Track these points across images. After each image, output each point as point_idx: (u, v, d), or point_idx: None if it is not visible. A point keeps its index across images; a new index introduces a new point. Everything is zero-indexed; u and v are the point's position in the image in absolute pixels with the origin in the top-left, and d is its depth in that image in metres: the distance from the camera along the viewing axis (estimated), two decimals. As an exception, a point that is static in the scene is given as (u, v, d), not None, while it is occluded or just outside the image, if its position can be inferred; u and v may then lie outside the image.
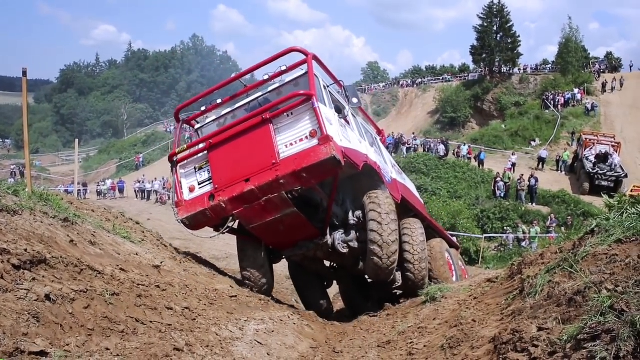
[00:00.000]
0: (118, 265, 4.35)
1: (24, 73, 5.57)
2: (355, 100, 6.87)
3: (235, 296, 5.72)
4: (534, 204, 23.13)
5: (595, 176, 23.79)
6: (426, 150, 32.68)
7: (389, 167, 8.32)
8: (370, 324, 6.18)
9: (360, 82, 73.70)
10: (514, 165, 27.75)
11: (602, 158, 24.64)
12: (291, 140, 5.88)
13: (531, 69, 50.41)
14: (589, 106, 35.95)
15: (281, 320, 5.54)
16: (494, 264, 17.14)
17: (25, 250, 3.27)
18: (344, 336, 5.82)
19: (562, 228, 18.86)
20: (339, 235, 6.94)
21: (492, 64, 48.19)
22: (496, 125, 40.57)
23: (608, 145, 25.51)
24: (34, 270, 3.17)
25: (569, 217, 20.39)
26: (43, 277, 3.18)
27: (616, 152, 25.12)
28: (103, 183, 35.92)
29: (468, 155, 30.29)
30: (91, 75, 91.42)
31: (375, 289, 8.78)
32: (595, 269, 2.80)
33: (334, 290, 9.93)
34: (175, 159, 6.57)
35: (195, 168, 6.45)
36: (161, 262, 5.46)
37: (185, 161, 6.55)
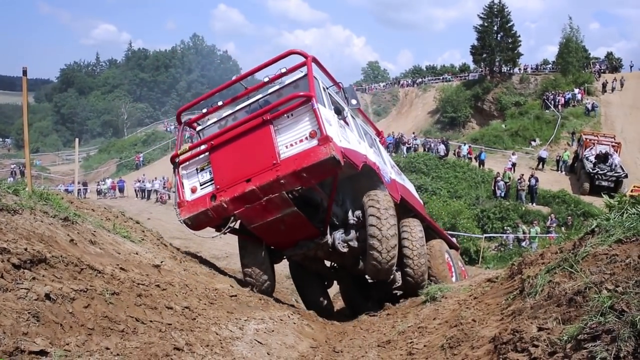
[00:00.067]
0: (118, 265, 4.36)
1: (24, 72, 5.58)
2: (354, 101, 6.96)
3: (235, 296, 5.72)
4: (534, 204, 23.13)
5: (596, 176, 23.78)
6: (426, 150, 32.67)
7: (388, 168, 8.38)
8: (370, 324, 6.18)
9: (361, 81, 73.65)
10: (514, 165, 27.75)
11: (602, 158, 24.64)
12: (291, 141, 5.96)
13: (531, 68, 50.40)
14: (589, 106, 35.94)
15: (281, 320, 5.55)
16: (494, 263, 17.14)
17: (25, 249, 3.27)
18: (344, 336, 5.82)
19: (562, 228, 18.85)
20: (339, 234, 7.00)
21: (492, 63, 48.19)
22: (496, 125, 40.57)
23: (608, 145, 25.50)
24: (34, 269, 3.17)
25: (569, 217, 20.39)
26: (43, 276, 3.18)
27: (616, 152, 25.11)
28: (103, 182, 35.96)
29: (468, 155, 30.30)
30: (91, 75, 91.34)
31: (376, 289, 8.80)
32: (596, 269, 2.80)
33: (334, 289, 9.94)
34: (177, 161, 6.66)
35: (197, 169, 6.54)
36: (161, 262, 5.46)
37: (187, 162, 6.63)
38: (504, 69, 48.67)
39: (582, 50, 46.07)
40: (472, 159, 30.06)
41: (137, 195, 32.14)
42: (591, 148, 25.30)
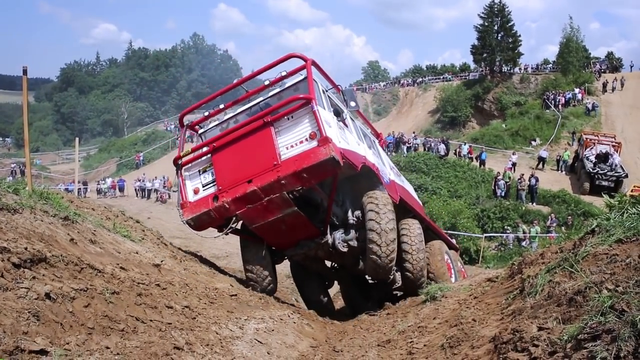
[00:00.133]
0: (118, 264, 4.36)
1: (25, 71, 5.58)
2: (353, 103, 7.05)
3: (236, 295, 5.73)
4: (534, 204, 23.13)
5: (596, 176, 23.78)
6: (427, 149, 32.66)
7: (387, 169, 8.47)
8: (370, 323, 6.19)
9: (361, 81, 73.62)
10: (514, 164, 27.75)
11: (603, 158, 24.63)
12: (292, 142, 6.06)
13: (532, 68, 50.34)
14: (590, 106, 35.93)
15: (281, 319, 5.55)
16: (494, 263, 17.13)
17: (26, 248, 3.28)
18: (344, 335, 5.83)
19: (563, 228, 18.86)
20: (339, 234, 7.08)
21: (492, 63, 48.14)
22: (497, 125, 40.57)
23: (608, 145, 25.49)
24: (34, 268, 3.17)
25: (569, 217, 20.40)
26: (43, 275, 3.18)
27: (616, 152, 25.10)
28: (103, 182, 35.97)
29: (469, 155, 30.30)
30: (91, 74, 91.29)
31: (376, 289, 8.85)
32: (596, 268, 2.80)
33: (334, 289, 9.95)
34: (180, 162, 6.76)
35: (199, 171, 6.65)
36: (161, 261, 5.47)
37: (190, 164, 6.74)
38: (505, 68, 48.63)
39: (583, 50, 46.06)
40: (473, 158, 30.06)
41: (137, 194, 32.16)
42: (591, 148, 25.29)
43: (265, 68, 6.84)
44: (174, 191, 28.93)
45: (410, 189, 10.46)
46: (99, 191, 33.96)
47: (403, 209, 8.10)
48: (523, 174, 24.15)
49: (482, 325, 3.73)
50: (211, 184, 6.49)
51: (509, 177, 24.86)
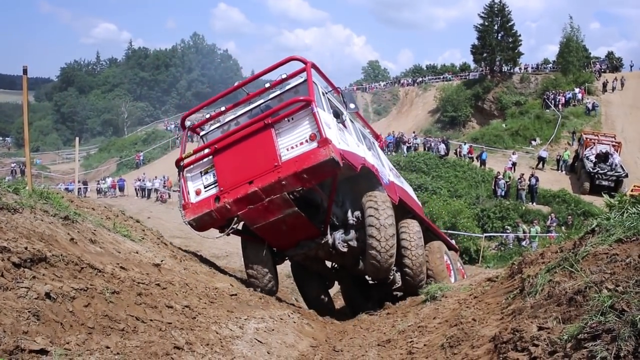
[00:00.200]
0: (118, 264, 4.35)
1: (25, 71, 5.58)
2: (352, 105, 7.11)
3: (236, 295, 5.73)
4: (534, 204, 23.12)
5: (596, 176, 23.78)
6: (427, 149, 32.65)
7: (386, 170, 8.53)
8: (370, 323, 6.20)
9: (361, 80, 73.58)
10: (514, 164, 27.73)
11: (603, 158, 24.62)
12: (292, 143, 6.13)
13: (532, 68, 50.29)
14: (590, 106, 35.90)
15: (281, 319, 5.55)
16: (494, 263, 17.14)
17: (26, 248, 3.27)
18: (344, 335, 5.83)
19: (563, 227, 18.85)
20: (339, 234, 7.13)
21: (492, 63, 48.06)
22: (497, 125, 40.52)
23: (608, 144, 25.48)
24: (34, 268, 3.17)
25: (569, 217, 20.38)
26: (43, 275, 3.18)
27: (617, 151, 25.08)
28: (103, 181, 35.97)
29: (469, 155, 30.29)
30: (91, 74, 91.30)
31: (376, 289, 8.88)
32: (596, 268, 2.80)
33: (334, 288, 9.96)
34: (182, 164, 6.83)
35: (201, 172, 6.73)
36: (161, 261, 5.47)
37: (192, 166, 6.82)
38: (505, 68, 48.55)
39: (583, 50, 46.00)
40: (473, 158, 30.05)
41: (137, 194, 32.16)
42: (591, 147, 25.28)
43: (266, 71, 6.95)
44: (174, 191, 28.95)
45: (409, 190, 10.51)
46: (99, 191, 33.97)
47: (402, 210, 8.15)
48: (523, 174, 24.14)
49: (482, 324, 3.73)
50: (213, 185, 6.56)
51: (509, 177, 24.84)
